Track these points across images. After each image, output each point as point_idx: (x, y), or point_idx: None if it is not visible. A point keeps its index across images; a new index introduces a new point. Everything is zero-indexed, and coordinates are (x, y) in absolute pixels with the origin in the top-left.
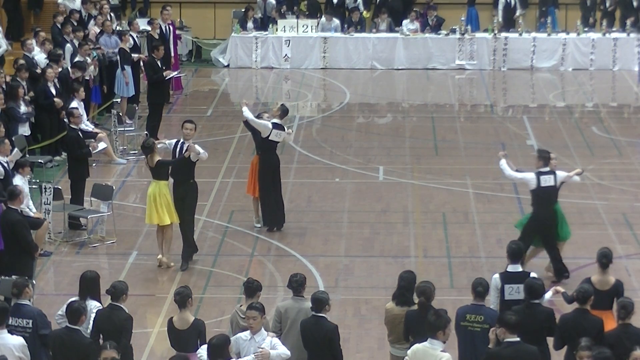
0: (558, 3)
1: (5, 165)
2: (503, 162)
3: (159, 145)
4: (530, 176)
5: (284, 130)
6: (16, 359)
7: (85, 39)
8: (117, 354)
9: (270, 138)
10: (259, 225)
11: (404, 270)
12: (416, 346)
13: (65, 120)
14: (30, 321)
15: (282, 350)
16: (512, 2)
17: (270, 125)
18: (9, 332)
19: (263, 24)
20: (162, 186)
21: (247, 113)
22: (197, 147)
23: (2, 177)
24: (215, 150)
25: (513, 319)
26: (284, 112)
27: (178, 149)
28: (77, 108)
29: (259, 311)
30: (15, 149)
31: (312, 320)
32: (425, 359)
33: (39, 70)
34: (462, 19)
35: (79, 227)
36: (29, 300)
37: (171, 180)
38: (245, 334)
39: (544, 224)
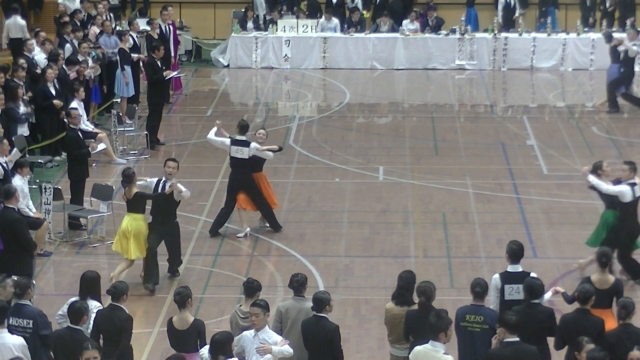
0: (558, 3)
1: (5, 165)
2: (593, 177)
3: (139, 182)
4: (626, 189)
5: (248, 146)
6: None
7: (85, 38)
8: (99, 354)
9: (231, 154)
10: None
11: (404, 270)
12: (417, 348)
13: (65, 120)
14: (31, 321)
15: (285, 347)
16: (512, 2)
17: (227, 142)
18: (9, 332)
19: (258, 24)
20: (136, 219)
21: (210, 133)
22: (179, 185)
23: (1, 177)
24: (215, 150)
25: (513, 319)
26: (242, 127)
27: (160, 188)
28: (76, 108)
29: (262, 308)
30: (15, 149)
31: (313, 320)
32: None
33: (38, 71)
34: (462, 19)
35: (79, 227)
36: (30, 301)
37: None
38: (251, 331)
39: (632, 234)
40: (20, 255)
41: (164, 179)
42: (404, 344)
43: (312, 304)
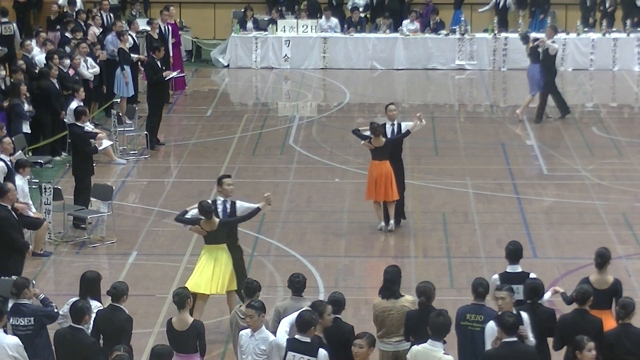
0: (550, 4)
1: (9, 163)
2: None
3: (194, 211)
4: None
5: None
6: (10, 359)
7: (83, 37)
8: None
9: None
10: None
11: (389, 265)
12: (415, 348)
13: (65, 120)
14: (32, 318)
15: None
16: (503, 2)
17: None
18: (11, 332)
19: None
20: (222, 249)
21: None
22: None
23: (5, 175)
24: (215, 151)
25: (510, 320)
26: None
27: (222, 210)
28: (84, 108)
29: (256, 310)
30: (20, 151)
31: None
32: None
33: (37, 71)
34: (462, 19)
35: (83, 226)
36: (29, 301)
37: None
38: (247, 331)
39: None
40: (10, 253)
41: (222, 199)
42: (393, 337)
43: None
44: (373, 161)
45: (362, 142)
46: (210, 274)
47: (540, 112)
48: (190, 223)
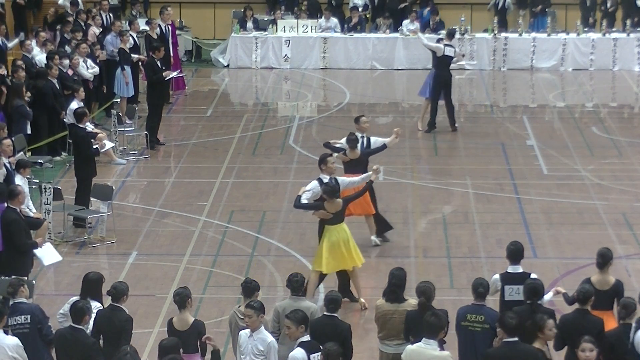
0: (550, 3)
1: (9, 166)
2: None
3: (308, 194)
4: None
5: None
6: (10, 359)
7: (83, 38)
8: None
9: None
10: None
11: (395, 268)
12: (410, 347)
13: (65, 120)
14: (29, 316)
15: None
16: (502, 2)
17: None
18: (10, 332)
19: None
20: (344, 229)
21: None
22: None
23: (4, 177)
24: (215, 151)
25: (512, 322)
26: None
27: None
28: (84, 109)
29: (255, 310)
30: (21, 152)
31: (325, 320)
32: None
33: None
34: (462, 19)
35: (84, 225)
36: (26, 300)
37: None
38: (246, 331)
39: None
40: (17, 255)
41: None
42: (394, 340)
43: (310, 303)
44: (346, 174)
45: (336, 154)
46: (344, 251)
47: (432, 120)
48: (314, 208)
